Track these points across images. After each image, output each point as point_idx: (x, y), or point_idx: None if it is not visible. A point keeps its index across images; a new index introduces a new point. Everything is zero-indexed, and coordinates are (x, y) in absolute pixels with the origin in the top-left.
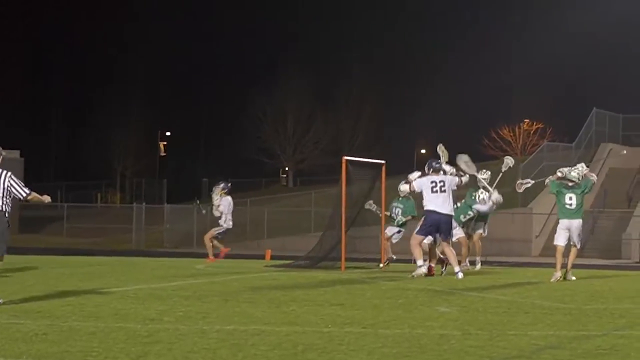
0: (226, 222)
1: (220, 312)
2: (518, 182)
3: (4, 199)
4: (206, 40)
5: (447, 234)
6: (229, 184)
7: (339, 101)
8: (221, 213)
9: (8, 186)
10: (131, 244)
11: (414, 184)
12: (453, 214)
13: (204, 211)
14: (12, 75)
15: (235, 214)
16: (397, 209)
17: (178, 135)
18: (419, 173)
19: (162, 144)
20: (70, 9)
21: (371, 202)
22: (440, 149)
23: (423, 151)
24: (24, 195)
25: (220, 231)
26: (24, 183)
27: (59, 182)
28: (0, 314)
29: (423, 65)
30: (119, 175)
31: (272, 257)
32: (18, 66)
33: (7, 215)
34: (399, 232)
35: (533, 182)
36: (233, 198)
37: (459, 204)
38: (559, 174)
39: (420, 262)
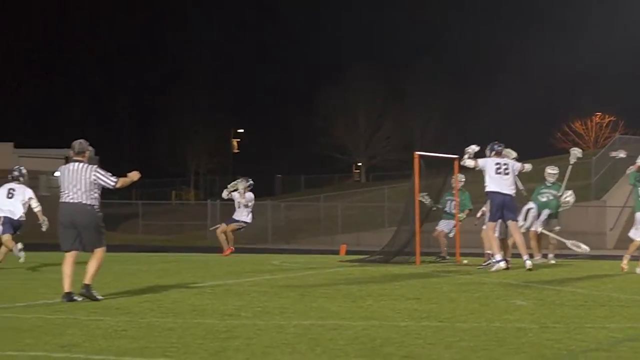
0: (249, 217)
1: (297, 307)
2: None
3: (90, 192)
4: (278, 38)
5: (513, 213)
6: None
7: (410, 97)
8: (246, 205)
9: (94, 180)
10: (206, 240)
11: (479, 161)
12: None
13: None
14: (87, 74)
15: (309, 209)
16: (452, 202)
17: (251, 133)
18: (478, 147)
19: (235, 141)
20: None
21: (425, 194)
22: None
23: (512, 153)
24: (112, 184)
25: (243, 226)
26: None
27: None
28: (80, 310)
29: (493, 60)
30: (193, 172)
31: (347, 252)
32: (91, 64)
33: (97, 208)
34: (454, 226)
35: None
36: (307, 194)
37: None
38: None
39: (498, 256)
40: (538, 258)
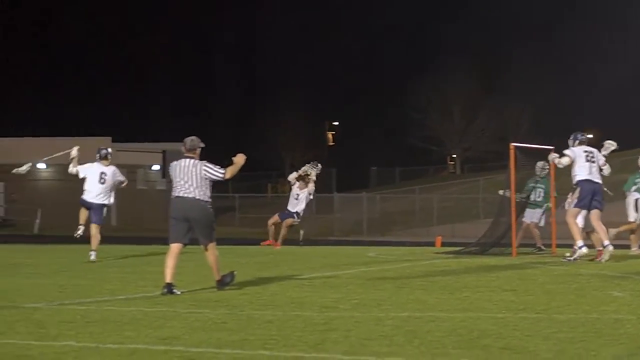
0: (300, 208)
1: (394, 299)
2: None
3: (202, 188)
4: (372, 30)
5: (601, 203)
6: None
7: (504, 89)
8: (308, 196)
9: (204, 175)
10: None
11: (569, 152)
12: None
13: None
14: (181, 69)
15: (404, 201)
16: (539, 190)
17: (346, 125)
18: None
19: (330, 134)
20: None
21: (506, 190)
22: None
23: (590, 136)
24: (221, 176)
25: (298, 221)
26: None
27: None
28: (179, 303)
29: (590, 48)
30: (289, 165)
31: (442, 244)
32: (185, 59)
33: (209, 204)
34: (542, 214)
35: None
36: (402, 186)
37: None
38: None
39: (580, 242)
40: (635, 249)
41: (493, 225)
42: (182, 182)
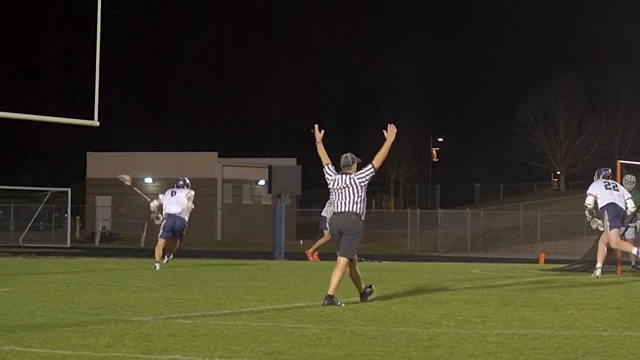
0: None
1: (498, 316)
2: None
3: (357, 204)
4: (477, 46)
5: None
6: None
7: (609, 107)
8: None
9: (361, 183)
10: (406, 248)
11: (590, 190)
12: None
13: None
14: (288, 88)
15: (508, 218)
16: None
17: (450, 141)
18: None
19: (434, 150)
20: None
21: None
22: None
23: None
24: (372, 169)
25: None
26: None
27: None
28: (284, 318)
29: None
30: (393, 181)
31: (546, 261)
32: (294, 80)
33: (362, 218)
34: (627, 228)
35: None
36: (505, 202)
37: None
38: None
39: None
40: None
41: (597, 242)
42: (338, 198)
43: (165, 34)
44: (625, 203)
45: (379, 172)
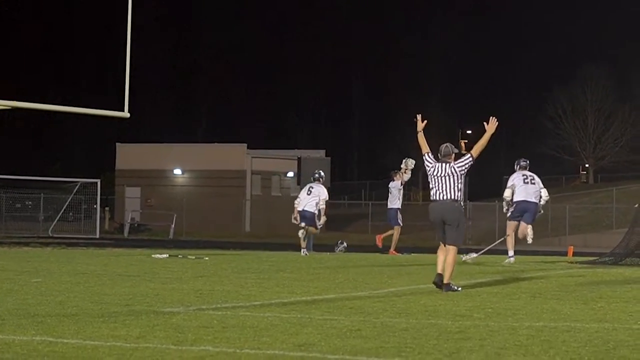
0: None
1: (528, 309)
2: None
3: (455, 191)
4: (505, 39)
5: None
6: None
7: (639, 99)
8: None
9: (460, 171)
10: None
11: (509, 183)
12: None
13: None
14: (318, 81)
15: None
16: None
17: (478, 134)
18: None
19: (462, 142)
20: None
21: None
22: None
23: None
24: (470, 160)
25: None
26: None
27: (362, 180)
28: (314, 310)
29: None
30: (421, 173)
31: (574, 254)
32: (323, 72)
33: (462, 204)
34: None
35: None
36: None
37: None
38: None
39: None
40: None
41: (628, 235)
42: (438, 185)
43: (197, 26)
44: (540, 194)
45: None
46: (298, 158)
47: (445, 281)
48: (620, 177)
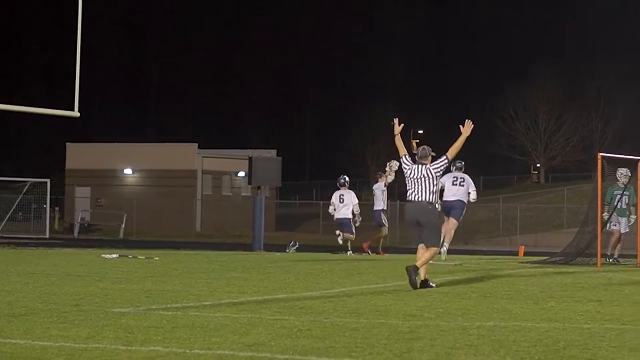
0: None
1: (479, 309)
2: None
3: (431, 193)
4: (458, 38)
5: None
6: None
7: (589, 99)
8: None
9: (435, 173)
10: (385, 240)
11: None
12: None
13: None
14: (269, 80)
15: (487, 210)
16: (625, 197)
17: (430, 133)
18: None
19: (414, 142)
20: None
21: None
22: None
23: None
24: (445, 161)
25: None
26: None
27: (314, 180)
28: (265, 310)
29: None
30: (373, 173)
31: (525, 254)
32: (275, 71)
33: (437, 207)
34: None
35: None
36: (486, 195)
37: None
38: None
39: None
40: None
41: (578, 235)
42: (413, 188)
43: (146, 25)
44: (469, 194)
45: (358, 164)
46: (249, 157)
47: (423, 278)
48: (571, 177)
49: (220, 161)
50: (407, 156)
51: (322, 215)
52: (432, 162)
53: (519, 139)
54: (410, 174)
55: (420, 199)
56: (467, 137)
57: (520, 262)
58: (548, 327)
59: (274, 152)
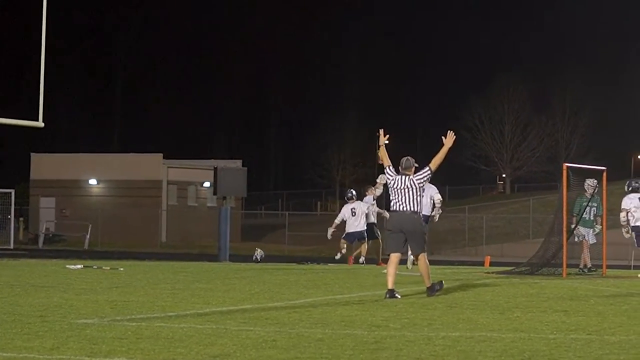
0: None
1: (444, 319)
2: None
3: (415, 203)
4: (422, 49)
5: None
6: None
7: (555, 110)
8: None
9: (419, 184)
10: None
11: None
12: None
13: None
14: (235, 91)
15: (452, 220)
16: (592, 209)
17: (396, 143)
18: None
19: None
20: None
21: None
22: None
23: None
24: (428, 172)
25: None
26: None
27: (279, 191)
28: (230, 321)
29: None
30: (338, 183)
31: (491, 264)
32: (239, 75)
33: (422, 217)
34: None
35: None
36: (451, 205)
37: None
38: None
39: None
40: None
41: (544, 245)
42: (399, 197)
43: (111, 35)
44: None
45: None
46: (214, 168)
47: (427, 285)
48: (537, 187)
49: (186, 171)
50: (391, 167)
51: (287, 226)
52: (415, 173)
53: (484, 149)
54: (394, 184)
55: (405, 209)
56: (450, 148)
57: (486, 273)
58: (514, 337)
59: (239, 163)
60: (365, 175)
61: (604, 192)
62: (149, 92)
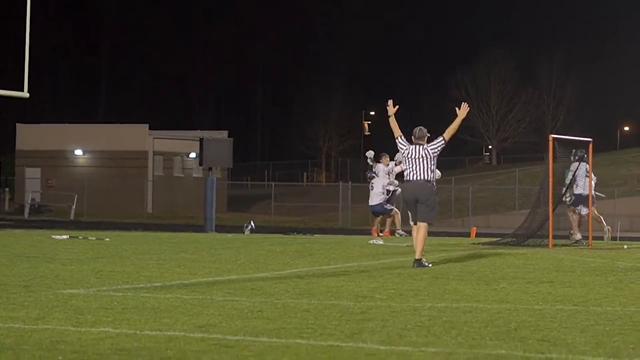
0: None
1: (430, 290)
2: None
3: (429, 172)
4: (407, 21)
5: None
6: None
7: (542, 81)
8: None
9: (433, 154)
10: (337, 222)
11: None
12: None
13: None
14: (221, 61)
15: (440, 191)
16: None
17: (382, 115)
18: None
19: (366, 123)
20: None
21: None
22: None
23: (626, 129)
24: (443, 142)
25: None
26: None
27: (266, 161)
28: (216, 291)
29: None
30: (324, 154)
31: (477, 235)
32: (225, 46)
33: (435, 185)
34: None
35: None
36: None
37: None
38: None
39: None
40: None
41: (530, 216)
42: (413, 167)
43: (97, 4)
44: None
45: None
46: (200, 139)
47: (416, 257)
48: (522, 159)
49: (172, 142)
50: (402, 137)
51: (273, 197)
52: (428, 142)
53: (471, 120)
54: (408, 154)
55: (418, 178)
56: (463, 119)
57: (472, 244)
58: (499, 308)
59: (225, 133)
60: (351, 147)
61: (590, 162)
62: (134, 62)
